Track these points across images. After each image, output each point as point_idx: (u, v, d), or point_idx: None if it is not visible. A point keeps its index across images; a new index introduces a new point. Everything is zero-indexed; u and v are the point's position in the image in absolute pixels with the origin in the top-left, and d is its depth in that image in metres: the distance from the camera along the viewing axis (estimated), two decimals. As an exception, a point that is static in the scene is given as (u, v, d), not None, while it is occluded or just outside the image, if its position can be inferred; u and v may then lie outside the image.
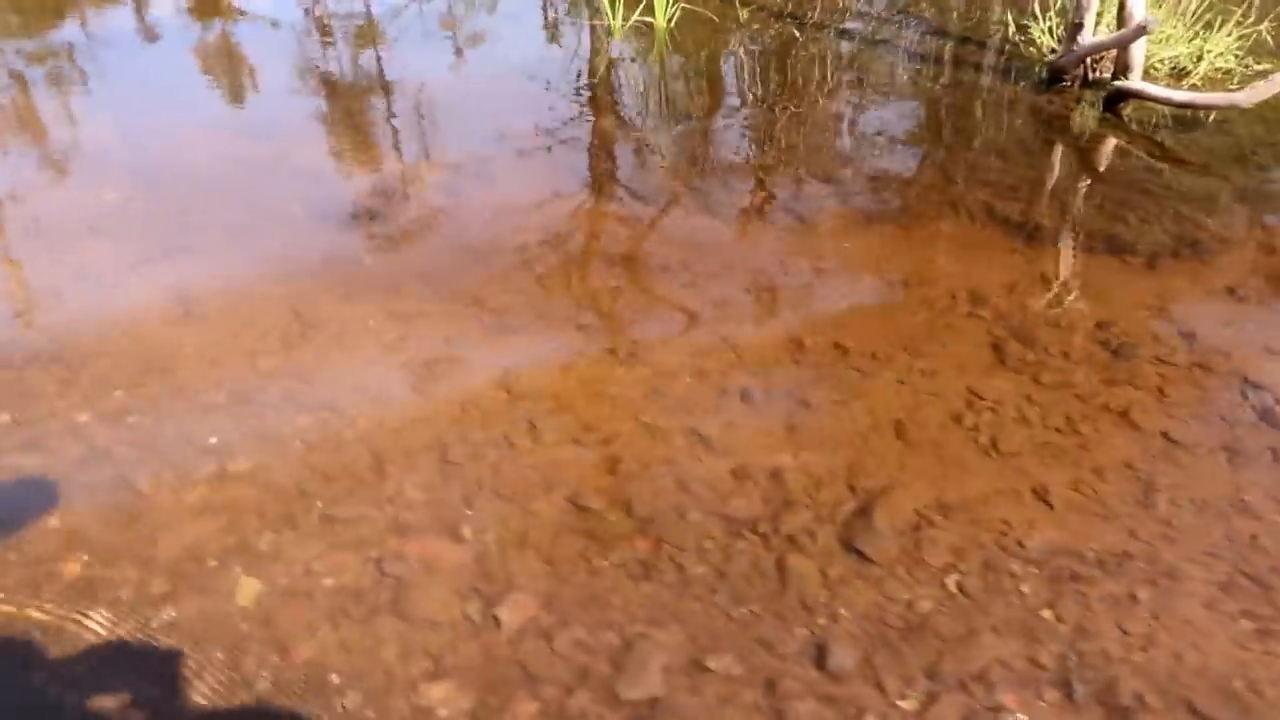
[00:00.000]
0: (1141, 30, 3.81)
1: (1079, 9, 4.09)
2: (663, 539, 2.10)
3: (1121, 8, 4.07)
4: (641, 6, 5.12)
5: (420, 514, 2.18)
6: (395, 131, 4.14)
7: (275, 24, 5.62)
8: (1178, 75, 4.40)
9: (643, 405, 2.51)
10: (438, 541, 2.10)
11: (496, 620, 1.92)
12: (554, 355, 2.70)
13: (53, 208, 3.56)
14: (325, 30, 5.50)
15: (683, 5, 5.15)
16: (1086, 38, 4.12)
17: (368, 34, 5.44)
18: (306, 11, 5.78)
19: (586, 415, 2.47)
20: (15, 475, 2.29)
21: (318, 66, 4.94)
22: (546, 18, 5.60)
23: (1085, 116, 4.14)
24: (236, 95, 4.72)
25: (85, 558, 2.06)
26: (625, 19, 5.03)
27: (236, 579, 2.02)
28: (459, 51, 5.20)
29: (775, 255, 3.21)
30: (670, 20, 5.09)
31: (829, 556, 2.06)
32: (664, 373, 2.63)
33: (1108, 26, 4.40)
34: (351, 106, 4.41)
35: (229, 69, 5.03)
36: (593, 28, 5.25)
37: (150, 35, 5.55)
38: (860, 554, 2.06)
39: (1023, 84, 4.48)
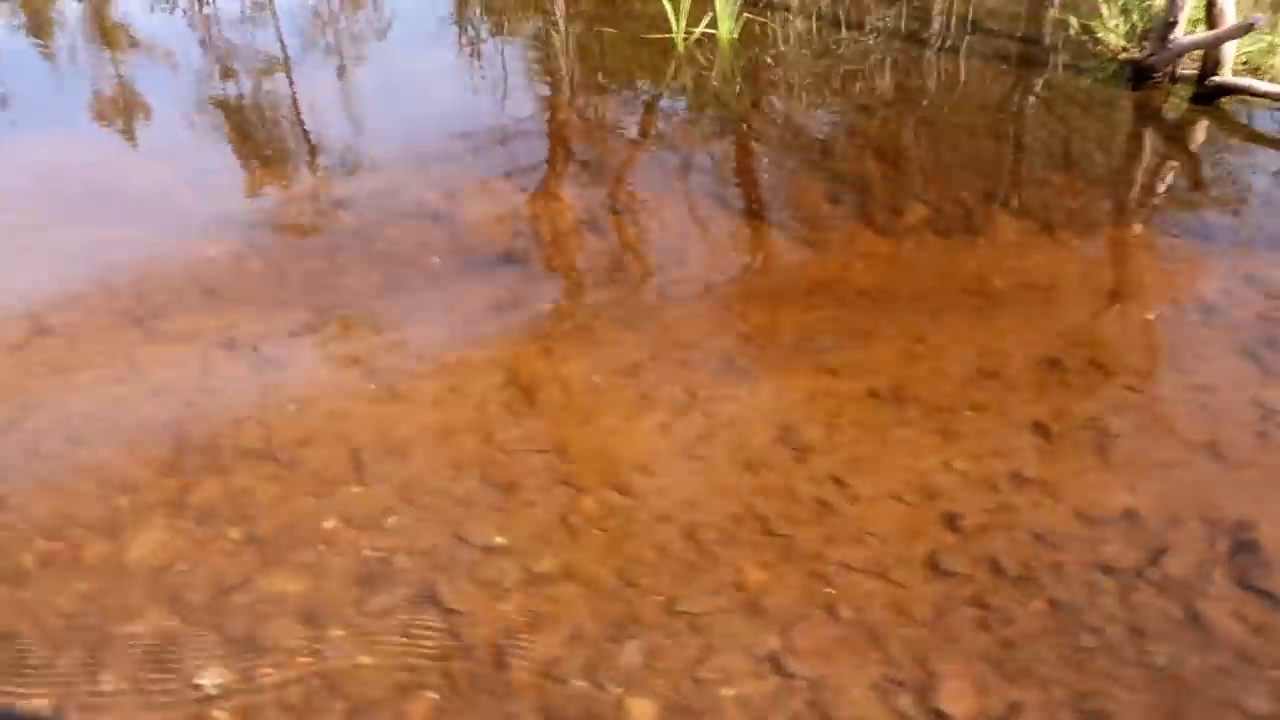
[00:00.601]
0: (1248, 28, 3.87)
1: (1173, 8, 4.14)
2: (1055, 598, 1.94)
3: (1210, 6, 4.15)
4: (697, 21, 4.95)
5: (780, 596, 1.95)
6: (514, 165, 3.83)
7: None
8: (1252, 70, 4.53)
9: (943, 449, 2.34)
10: (821, 628, 1.88)
11: (942, 716, 1.72)
12: (815, 403, 2.48)
13: (153, 267, 3.13)
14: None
15: (746, 15, 5.00)
16: (1179, 36, 4.19)
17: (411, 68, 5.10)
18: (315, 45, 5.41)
19: (891, 466, 2.28)
20: (283, 607, 1.95)
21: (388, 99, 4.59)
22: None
23: (1188, 112, 4.18)
24: (275, 129, 4.33)
25: (432, 695, 1.76)
26: (689, 32, 4.86)
27: (619, 700, 1.75)
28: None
29: (971, 271, 3.07)
30: (734, 32, 4.94)
31: (1236, 600, 1.92)
32: (941, 409, 2.47)
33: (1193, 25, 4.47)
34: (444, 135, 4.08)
35: (250, 102, 4.62)
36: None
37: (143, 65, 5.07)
38: (1267, 594, 1.94)
39: (1105, 82, 4.50)
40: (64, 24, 5.88)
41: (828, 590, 1.97)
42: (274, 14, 5.99)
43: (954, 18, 5.37)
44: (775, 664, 1.81)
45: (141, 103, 4.74)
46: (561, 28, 5.35)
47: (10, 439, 2.34)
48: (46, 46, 5.62)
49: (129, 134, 4.47)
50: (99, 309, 2.93)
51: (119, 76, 5.10)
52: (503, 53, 5.27)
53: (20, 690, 1.76)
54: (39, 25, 5.90)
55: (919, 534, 2.10)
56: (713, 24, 4.93)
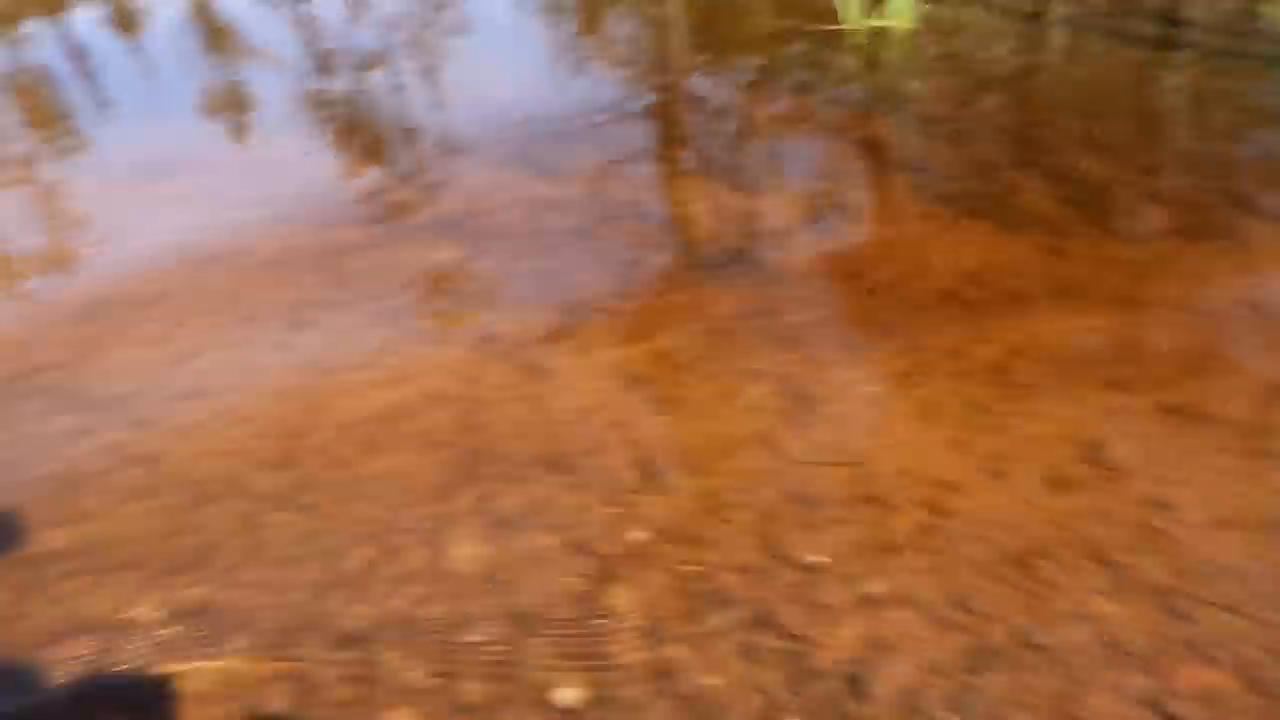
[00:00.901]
0: None
1: None
2: None
3: None
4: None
5: (1136, 631, 1.84)
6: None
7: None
8: None
9: (1266, 473, 2.20)
10: (1195, 669, 1.78)
11: (1360, 770, 1.62)
12: (1111, 418, 2.34)
13: (382, 267, 3.17)
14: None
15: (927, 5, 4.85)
16: None
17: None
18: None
19: (1212, 490, 2.11)
20: (618, 621, 1.91)
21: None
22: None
23: None
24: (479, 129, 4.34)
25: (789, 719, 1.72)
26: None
27: (995, 737, 1.69)
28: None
29: (1234, 279, 2.85)
30: (915, 22, 4.79)
31: None
32: (1247, 428, 2.32)
33: None
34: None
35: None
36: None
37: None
38: None
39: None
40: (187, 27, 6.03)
41: (1190, 627, 1.87)
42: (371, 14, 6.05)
43: (1149, 10, 5.14)
44: (1157, 706, 1.71)
45: (306, 107, 4.83)
46: (679, 21, 5.29)
47: (306, 445, 2.38)
48: (148, 49, 5.77)
49: (320, 138, 4.55)
50: (345, 306, 2.98)
51: (265, 79, 5.20)
52: (652, 47, 5.23)
53: (381, 697, 1.78)
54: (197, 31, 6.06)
55: (1271, 566, 1.98)
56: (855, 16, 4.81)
